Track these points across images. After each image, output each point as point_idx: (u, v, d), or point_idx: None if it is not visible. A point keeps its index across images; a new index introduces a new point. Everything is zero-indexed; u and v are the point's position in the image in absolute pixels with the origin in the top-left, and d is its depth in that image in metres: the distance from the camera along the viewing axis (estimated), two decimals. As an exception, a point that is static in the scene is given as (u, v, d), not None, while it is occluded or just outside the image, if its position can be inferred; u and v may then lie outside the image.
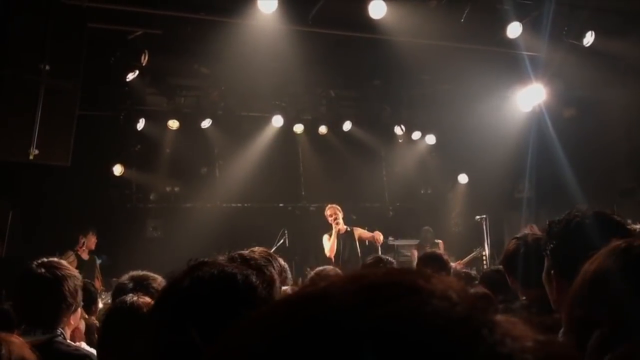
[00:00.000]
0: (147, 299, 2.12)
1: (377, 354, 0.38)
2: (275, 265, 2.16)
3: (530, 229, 9.90)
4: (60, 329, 2.49)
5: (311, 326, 0.41)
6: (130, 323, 1.97)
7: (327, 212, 8.28)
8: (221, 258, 1.79)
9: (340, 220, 8.14)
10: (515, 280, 2.90)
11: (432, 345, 0.38)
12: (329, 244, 8.10)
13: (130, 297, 2.15)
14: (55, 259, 2.54)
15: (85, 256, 8.38)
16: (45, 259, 2.46)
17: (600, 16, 8.51)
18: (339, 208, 8.31)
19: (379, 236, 8.25)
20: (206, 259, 1.35)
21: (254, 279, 1.27)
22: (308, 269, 8.29)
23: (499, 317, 0.43)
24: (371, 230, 8.56)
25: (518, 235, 3.15)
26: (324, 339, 0.40)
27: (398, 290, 0.42)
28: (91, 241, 8.46)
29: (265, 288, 1.26)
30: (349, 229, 8.23)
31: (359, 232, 8.32)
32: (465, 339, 0.39)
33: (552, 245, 2.04)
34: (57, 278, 2.39)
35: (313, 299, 0.45)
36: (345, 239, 8.15)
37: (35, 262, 2.44)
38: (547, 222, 2.33)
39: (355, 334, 0.39)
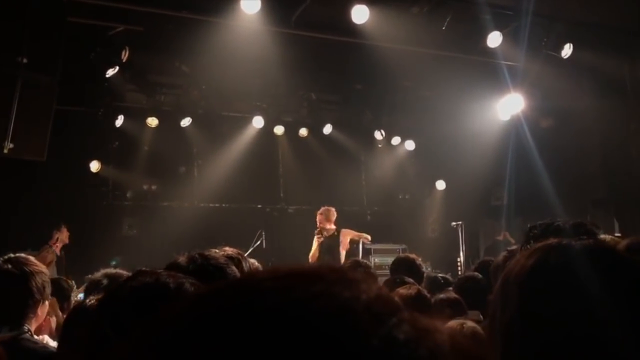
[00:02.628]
0: None
1: (276, 337, 0.39)
2: (244, 265, 2.15)
3: (504, 236, 10.06)
4: (26, 325, 2.46)
5: (221, 311, 0.43)
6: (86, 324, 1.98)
7: (317, 217, 8.15)
8: (181, 258, 1.79)
9: (327, 229, 8.02)
10: None
11: (329, 329, 0.39)
12: (313, 246, 8.03)
13: (90, 300, 2.15)
14: (23, 255, 2.51)
15: (58, 251, 8.27)
16: (12, 255, 2.43)
17: (578, 28, 8.65)
18: (330, 212, 8.12)
19: (367, 236, 8.25)
20: (145, 268, 1.38)
21: (187, 287, 1.28)
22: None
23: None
24: None
25: (509, 248, 3.22)
26: (228, 322, 0.41)
27: (305, 279, 0.43)
28: (65, 235, 8.34)
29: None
30: (335, 233, 8.08)
31: (346, 234, 8.09)
32: (363, 325, 0.40)
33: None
34: (24, 274, 2.36)
35: (227, 287, 0.46)
36: (330, 242, 7.98)
37: (1, 258, 2.41)
38: (528, 226, 2.39)
39: (257, 318, 0.40)
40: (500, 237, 10.17)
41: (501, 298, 1.09)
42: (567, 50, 8.62)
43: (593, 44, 8.62)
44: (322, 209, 8.21)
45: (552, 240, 1.15)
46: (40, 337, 2.69)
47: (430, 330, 0.42)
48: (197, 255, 1.80)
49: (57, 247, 8.29)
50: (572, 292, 1.01)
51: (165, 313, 0.46)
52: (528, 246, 2.08)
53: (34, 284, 2.37)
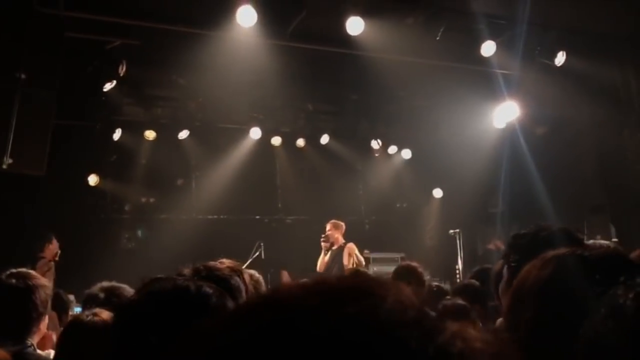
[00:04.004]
0: (104, 316, 2.13)
1: (332, 354, 0.40)
2: (244, 276, 2.18)
3: (495, 245, 10.07)
4: (29, 339, 2.48)
5: (270, 327, 0.42)
6: (85, 339, 2.00)
7: (327, 226, 8.38)
8: (186, 270, 1.82)
9: (333, 240, 8.18)
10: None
11: (385, 345, 0.40)
12: (321, 257, 8.24)
13: (87, 314, 2.17)
14: (24, 269, 2.54)
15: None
16: (14, 270, 2.46)
17: (572, 36, 8.73)
18: (340, 225, 8.36)
19: (363, 261, 8.34)
20: (161, 276, 1.38)
21: (207, 289, 1.28)
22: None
23: (450, 322, 0.44)
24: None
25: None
26: (283, 341, 0.41)
27: (353, 294, 0.44)
28: (55, 247, 8.26)
29: (219, 297, 1.28)
30: (342, 245, 8.25)
31: (349, 250, 8.19)
32: (417, 340, 0.41)
33: (517, 257, 2.07)
34: (28, 288, 2.39)
35: (272, 301, 0.46)
36: (336, 254, 8.16)
37: (5, 273, 2.43)
38: (512, 235, 2.40)
39: (312, 335, 0.40)
40: (492, 246, 10.20)
41: (515, 308, 1.10)
42: (560, 58, 8.69)
43: (586, 51, 8.70)
44: (334, 221, 8.44)
45: (564, 250, 1.17)
46: (46, 351, 2.71)
47: (478, 342, 0.43)
48: (201, 267, 1.84)
49: (56, 261, 8.26)
50: (589, 302, 1.02)
51: (215, 326, 0.46)
52: (512, 257, 2.09)
53: (37, 297, 2.40)
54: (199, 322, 0.50)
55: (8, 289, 2.37)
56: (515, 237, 2.33)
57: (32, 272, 2.55)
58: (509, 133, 10.13)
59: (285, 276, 10.19)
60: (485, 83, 9.27)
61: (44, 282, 2.51)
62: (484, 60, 8.48)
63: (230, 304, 1.28)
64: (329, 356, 0.39)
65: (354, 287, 0.45)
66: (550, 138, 10.17)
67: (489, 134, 10.45)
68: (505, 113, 10.07)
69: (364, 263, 8.45)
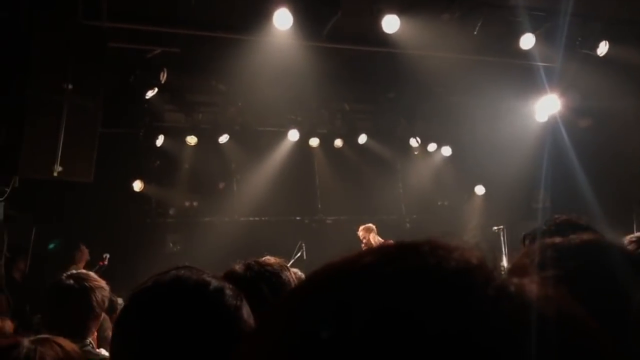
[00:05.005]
0: None
1: (423, 286, 0.45)
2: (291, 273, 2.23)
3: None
4: (89, 338, 2.59)
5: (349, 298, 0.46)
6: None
7: (360, 233, 8.51)
8: (237, 266, 1.87)
9: (372, 242, 8.27)
10: None
11: (457, 279, 0.45)
12: None
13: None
14: (84, 271, 2.65)
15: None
16: (74, 271, 2.57)
17: (614, 26, 8.52)
18: (372, 228, 8.48)
19: None
20: (190, 266, 1.33)
21: (228, 292, 1.24)
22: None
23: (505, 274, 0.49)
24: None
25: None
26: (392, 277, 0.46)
27: (432, 247, 0.49)
28: (86, 254, 8.43)
29: (233, 296, 1.24)
30: (382, 243, 8.29)
31: None
32: (480, 279, 0.46)
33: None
34: (85, 289, 2.50)
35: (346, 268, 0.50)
36: None
37: (64, 275, 2.55)
38: (522, 235, 2.39)
39: (391, 293, 0.45)
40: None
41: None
42: (602, 49, 8.50)
43: (630, 40, 8.48)
44: (363, 226, 8.60)
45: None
46: (97, 350, 2.82)
47: (529, 284, 0.48)
48: (253, 262, 1.89)
49: (104, 266, 8.48)
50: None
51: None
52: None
53: (94, 298, 2.51)
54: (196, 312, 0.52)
55: (67, 289, 2.48)
56: (525, 237, 2.33)
57: (90, 273, 2.66)
58: (551, 127, 9.95)
59: None
60: (525, 76, 9.13)
61: (102, 284, 2.62)
62: (523, 54, 8.35)
63: (244, 306, 1.24)
64: (419, 289, 0.44)
65: (431, 243, 0.50)
66: (594, 130, 9.95)
67: (530, 128, 10.28)
68: (546, 106, 9.91)
69: None
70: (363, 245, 8.26)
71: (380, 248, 0.52)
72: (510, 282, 0.47)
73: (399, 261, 0.48)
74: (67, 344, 1.49)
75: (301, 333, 0.46)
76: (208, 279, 1.26)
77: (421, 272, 0.47)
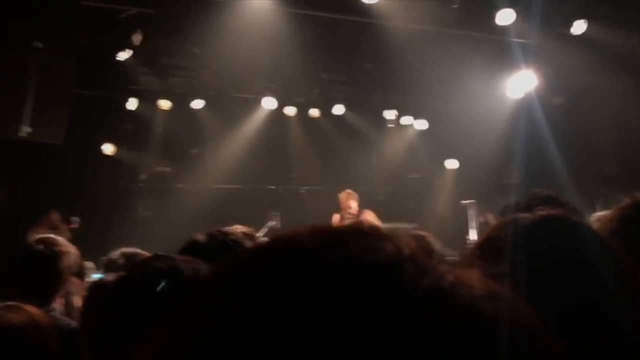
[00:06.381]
0: None
1: (337, 283, 0.40)
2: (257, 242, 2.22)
3: (485, 218, 10.01)
4: (53, 304, 2.56)
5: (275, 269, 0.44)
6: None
7: (342, 196, 8.44)
8: (200, 236, 1.84)
9: (353, 211, 8.23)
10: None
11: (383, 275, 0.41)
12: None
13: (110, 278, 2.23)
14: (52, 236, 2.60)
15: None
16: (42, 236, 2.53)
17: (591, 4, 8.57)
18: (354, 195, 8.42)
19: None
20: (160, 253, 1.33)
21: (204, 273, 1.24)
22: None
23: (443, 264, 0.44)
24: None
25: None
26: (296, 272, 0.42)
27: (354, 235, 0.44)
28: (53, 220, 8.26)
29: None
30: (359, 213, 8.28)
31: (367, 217, 8.27)
32: (410, 274, 0.41)
33: None
34: (54, 254, 2.46)
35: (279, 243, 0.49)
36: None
37: (33, 239, 2.50)
38: (503, 207, 2.42)
39: (318, 267, 0.41)
40: (481, 219, 10.13)
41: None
42: (578, 27, 8.55)
43: (605, 19, 8.54)
44: (348, 191, 8.51)
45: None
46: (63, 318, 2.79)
47: (470, 279, 0.43)
48: (216, 232, 1.86)
49: (73, 229, 8.36)
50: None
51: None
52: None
53: (63, 264, 2.47)
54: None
55: (36, 254, 2.44)
56: (507, 208, 2.35)
57: (59, 238, 2.62)
58: (526, 103, 10.02)
59: None
60: (502, 52, 9.15)
61: (70, 249, 2.58)
62: (502, 29, 8.36)
63: None
64: (328, 295, 0.40)
65: (355, 230, 0.46)
66: (568, 108, 10.06)
67: (505, 104, 10.35)
68: (521, 83, 9.96)
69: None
70: (348, 216, 8.23)
71: (312, 230, 0.48)
72: (446, 278, 0.42)
73: (317, 253, 0.44)
74: (35, 311, 1.46)
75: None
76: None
77: (341, 265, 0.42)
